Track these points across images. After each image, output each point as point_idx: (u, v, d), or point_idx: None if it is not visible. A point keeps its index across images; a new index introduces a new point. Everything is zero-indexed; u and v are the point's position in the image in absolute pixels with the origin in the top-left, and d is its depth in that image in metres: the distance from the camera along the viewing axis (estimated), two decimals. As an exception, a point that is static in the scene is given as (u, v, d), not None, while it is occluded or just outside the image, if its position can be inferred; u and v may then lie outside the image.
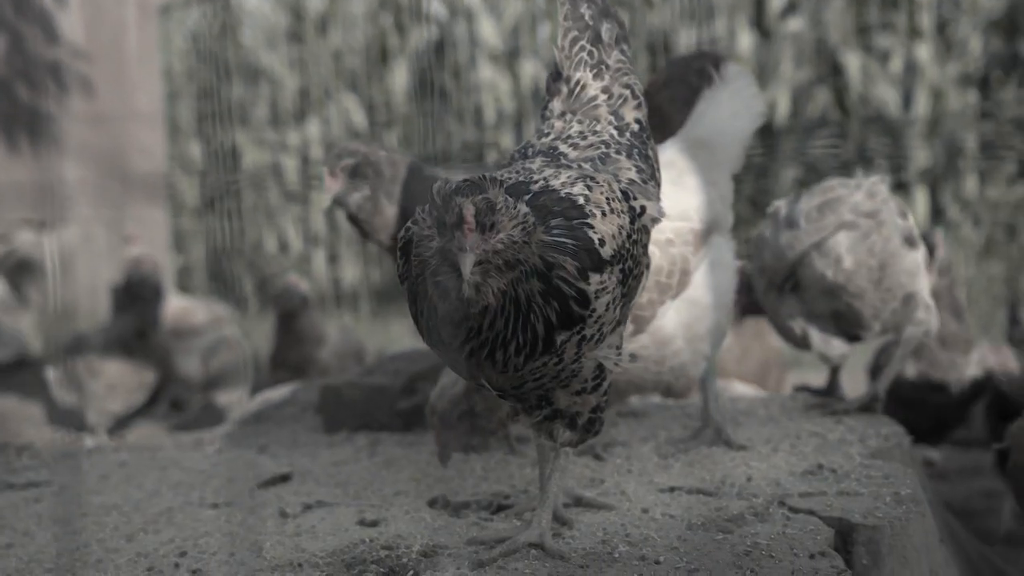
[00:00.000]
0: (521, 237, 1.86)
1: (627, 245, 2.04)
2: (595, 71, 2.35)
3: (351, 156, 2.97)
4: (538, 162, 2.17)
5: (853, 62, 8.83)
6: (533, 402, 2.14)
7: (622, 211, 2.05)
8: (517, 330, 1.89)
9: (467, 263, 1.81)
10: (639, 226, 2.11)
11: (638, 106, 2.36)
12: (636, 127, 2.33)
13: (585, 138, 2.25)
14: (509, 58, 10.48)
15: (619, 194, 2.08)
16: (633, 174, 2.21)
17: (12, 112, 6.67)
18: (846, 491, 2.48)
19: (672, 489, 2.58)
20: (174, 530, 2.48)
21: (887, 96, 8.69)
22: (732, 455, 2.82)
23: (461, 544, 2.26)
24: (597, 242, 1.96)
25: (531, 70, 10.49)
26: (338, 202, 2.96)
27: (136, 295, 5.70)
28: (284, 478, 2.87)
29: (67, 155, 6.79)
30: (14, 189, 6.58)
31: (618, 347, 2.12)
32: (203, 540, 2.39)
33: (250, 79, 10.79)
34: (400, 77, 10.51)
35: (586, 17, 2.37)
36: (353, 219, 3.01)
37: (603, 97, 2.34)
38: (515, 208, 1.87)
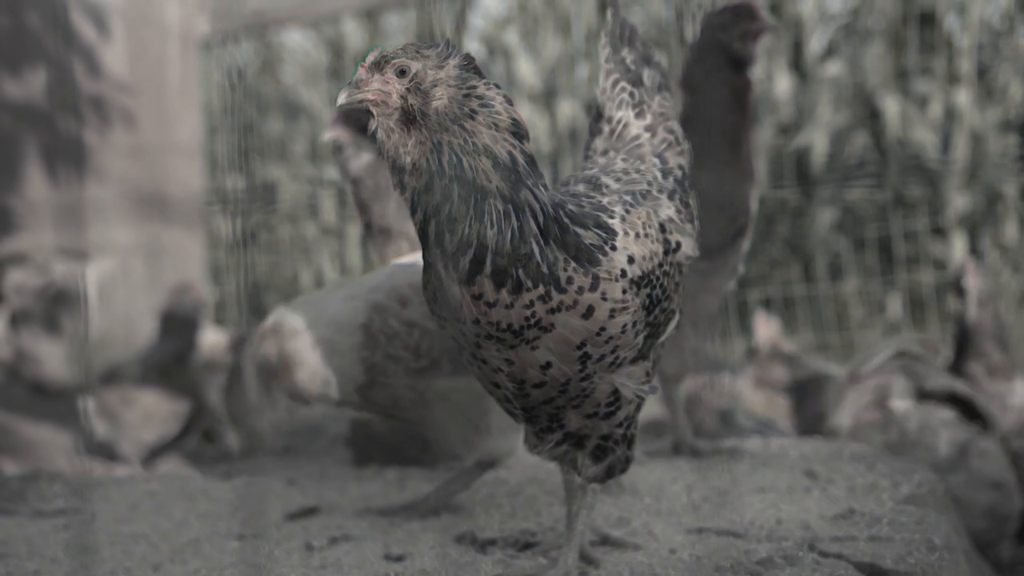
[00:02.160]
0: (444, 101, 1.90)
1: (657, 273, 2.04)
2: (637, 111, 2.37)
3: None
4: (582, 187, 2.19)
5: (891, 106, 8.79)
6: (544, 423, 2.13)
7: (656, 239, 2.06)
8: (472, 210, 1.87)
9: (342, 95, 1.89)
10: (672, 260, 2.12)
11: (681, 152, 2.37)
12: (679, 173, 2.33)
13: (628, 174, 2.26)
14: (547, 98, 10.52)
15: (656, 224, 2.09)
16: (672, 213, 2.22)
17: (55, 144, 6.77)
18: (877, 536, 2.45)
19: (700, 530, 2.56)
20: (200, 560, 2.48)
21: (926, 140, 8.64)
22: (762, 497, 2.80)
23: (486, 581, 2.24)
24: (620, 234, 1.98)
25: (569, 110, 10.53)
26: (340, 155, 2.82)
27: (183, 320, 5.78)
28: (311, 511, 2.86)
29: (107, 187, 6.88)
30: (55, 219, 6.67)
31: (643, 381, 2.11)
32: (229, 571, 2.39)
33: (290, 115, 10.89)
34: (438, 115, 10.56)
35: (627, 61, 2.39)
36: (354, 188, 2.90)
37: (646, 136, 2.35)
38: (445, 66, 1.91)
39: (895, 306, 7.73)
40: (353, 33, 11.03)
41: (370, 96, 1.93)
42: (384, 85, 1.93)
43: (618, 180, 2.23)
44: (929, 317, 7.35)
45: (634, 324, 2.00)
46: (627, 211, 2.06)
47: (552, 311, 1.92)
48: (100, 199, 6.81)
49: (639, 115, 2.36)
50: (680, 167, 2.34)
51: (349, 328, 2.61)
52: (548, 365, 1.98)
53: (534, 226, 1.89)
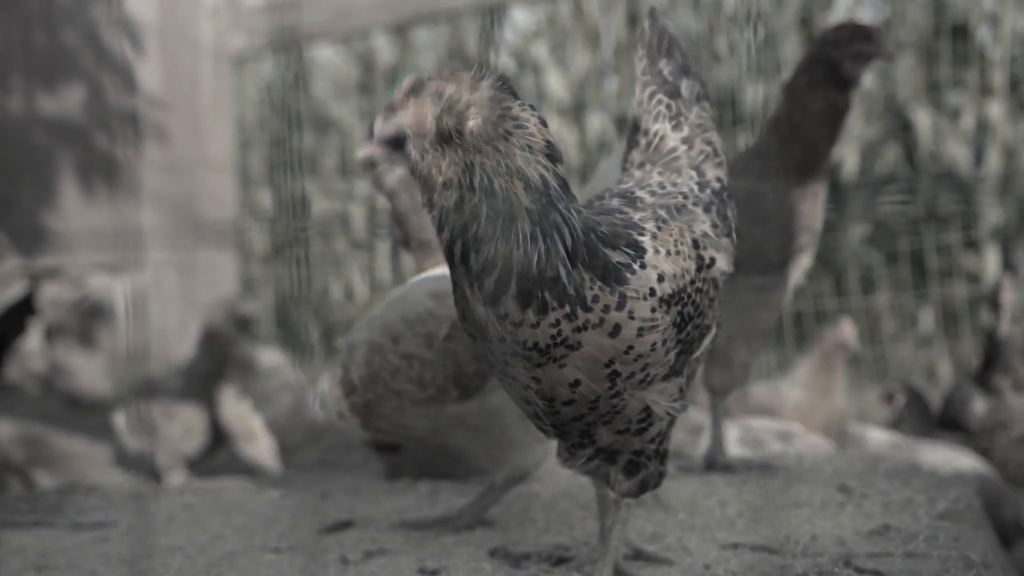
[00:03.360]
0: (480, 124, 1.90)
1: (689, 290, 2.04)
2: (674, 123, 2.35)
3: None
4: (615, 202, 2.18)
5: (923, 119, 8.76)
6: (575, 439, 2.13)
7: (689, 256, 2.06)
8: (499, 231, 1.89)
9: (378, 123, 1.96)
10: (706, 276, 2.12)
11: (719, 164, 2.35)
12: (717, 185, 2.31)
13: (664, 188, 2.25)
14: (576, 111, 10.54)
15: (689, 241, 2.10)
16: (707, 227, 2.21)
17: (90, 159, 6.84)
18: (914, 552, 2.44)
19: (735, 546, 2.55)
20: (236, 574, 2.49)
21: (958, 153, 8.60)
22: (797, 512, 2.79)
23: (521, 596, 2.25)
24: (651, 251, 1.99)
25: (598, 124, 10.54)
26: (374, 171, 2.81)
27: (238, 330, 5.85)
28: (346, 524, 2.88)
29: (141, 201, 6.94)
30: (89, 234, 6.73)
31: (676, 398, 2.10)
32: (265, 584, 2.41)
33: (321, 129, 10.96)
34: (468, 129, 10.60)
35: (664, 72, 2.37)
36: (391, 201, 2.87)
37: (683, 148, 2.33)
38: (481, 89, 1.92)
39: (927, 320, 7.69)
40: (383, 48, 11.10)
41: (407, 120, 1.96)
42: (419, 108, 1.95)
43: (653, 194, 2.23)
44: (962, 331, 7.30)
45: (664, 342, 2.00)
46: (659, 227, 2.06)
47: (578, 329, 1.92)
48: (133, 214, 6.87)
49: (676, 127, 2.35)
50: (718, 179, 2.33)
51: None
52: (577, 383, 1.98)
53: (562, 249, 1.90)
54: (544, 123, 1.96)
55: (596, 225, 1.98)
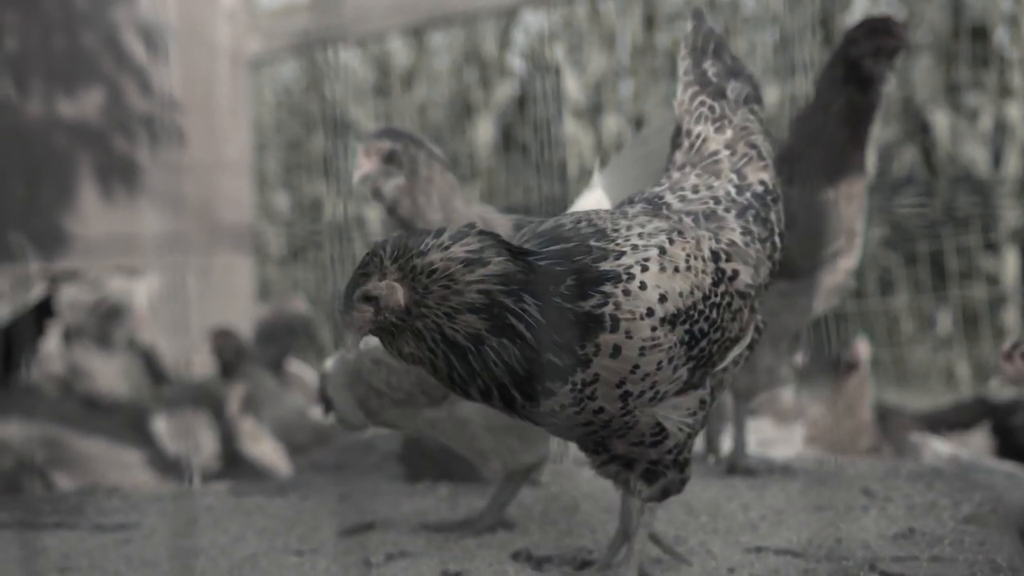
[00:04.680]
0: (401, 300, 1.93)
1: (701, 306, 2.01)
2: (717, 125, 2.32)
3: (390, 140, 2.80)
4: (638, 208, 2.16)
5: (941, 120, 8.72)
6: (590, 446, 2.15)
7: (703, 271, 2.03)
8: (476, 364, 1.92)
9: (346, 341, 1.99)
10: (727, 289, 2.08)
11: (764, 167, 2.30)
12: (760, 188, 2.27)
13: (697, 192, 2.23)
14: (592, 113, 10.53)
15: (707, 253, 2.06)
16: (736, 235, 2.16)
17: (108, 162, 6.87)
18: (939, 556, 2.42)
19: (759, 549, 2.54)
20: (259, 575, 2.50)
21: (976, 155, 8.56)
22: (821, 515, 2.78)
23: (545, 598, 2.25)
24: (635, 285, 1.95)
25: (614, 126, 10.53)
26: (372, 186, 2.79)
27: (286, 333, 5.93)
28: (367, 527, 2.88)
29: (158, 204, 6.96)
30: (108, 237, 6.75)
31: (694, 411, 2.09)
32: (288, 586, 2.41)
33: (337, 132, 10.98)
34: (483, 131, 10.62)
35: (709, 73, 2.34)
36: (391, 211, 2.89)
37: (726, 152, 2.30)
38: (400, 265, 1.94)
39: (945, 321, 7.65)
40: (399, 51, 11.11)
41: (355, 329, 1.98)
42: (362, 315, 1.96)
43: (684, 199, 2.20)
44: (982, 332, 7.26)
45: (671, 360, 1.98)
46: (672, 240, 2.01)
47: (588, 362, 1.94)
48: (151, 216, 6.89)
49: (719, 130, 2.31)
50: (762, 182, 2.28)
51: (343, 368, 2.86)
52: (601, 410, 1.99)
53: (531, 339, 1.90)
54: (446, 246, 1.93)
55: (555, 285, 1.93)
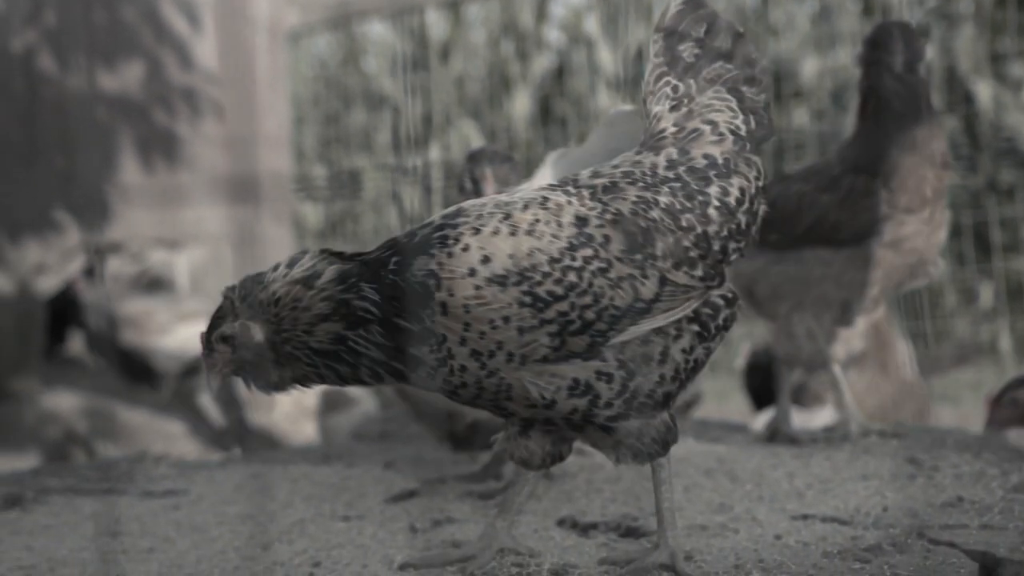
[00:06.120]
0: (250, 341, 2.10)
1: (546, 268, 2.00)
2: (673, 104, 2.25)
3: (506, 162, 2.82)
4: (544, 184, 2.22)
5: (984, 91, 8.61)
6: (499, 415, 2.20)
7: (553, 235, 2.03)
8: (352, 359, 2.07)
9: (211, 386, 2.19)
10: (595, 254, 2.03)
11: (718, 141, 2.20)
12: (702, 162, 2.18)
13: (617, 167, 2.19)
14: (628, 85, 10.48)
15: (568, 219, 2.05)
16: (626, 205, 2.09)
17: (149, 135, 6.92)
18: (989, 524, 2.41)
19: (805, 517, 2.54)
20: (307, 541, 2.52)
21: (1021, 125, 8.46)
22: (867, 484, 2.76)
23: (592, 564, 2.25)
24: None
25: (651, 98, 10.45)
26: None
27: None
28: (412, 494, 2.90)
29: (199, 176, 7.01)
30: (149, 209, 6.81)
31: (584, 383, 2.07)
32: (336, 552, 2.42)
33: (373, 106, 10.98)
34: (521, 104, 10.60)
35: (684, 55, 2.26)
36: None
37: (672, 130, 2.23)
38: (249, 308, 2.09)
39: (988, 294, 7.58)
40: (435, 24, 11.09)
41: (216, 370, 2.14)
42: (222, 356, 2.12)
43: (595, 175, 2.16)
44: (1026, 305, 7.20)
45: (507, 319, 1.99)
46: (525, 207, 2.05)
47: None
48: (192, 188, 6.94)
49: (674, 108, 2.24)
50: (706, 156, 2.19)
51: None
52: (463, 368, 2.04)
53: (380, 316, 2.03)
54: (284, 274, 2.09)
55: (386, 266, 2.05)
